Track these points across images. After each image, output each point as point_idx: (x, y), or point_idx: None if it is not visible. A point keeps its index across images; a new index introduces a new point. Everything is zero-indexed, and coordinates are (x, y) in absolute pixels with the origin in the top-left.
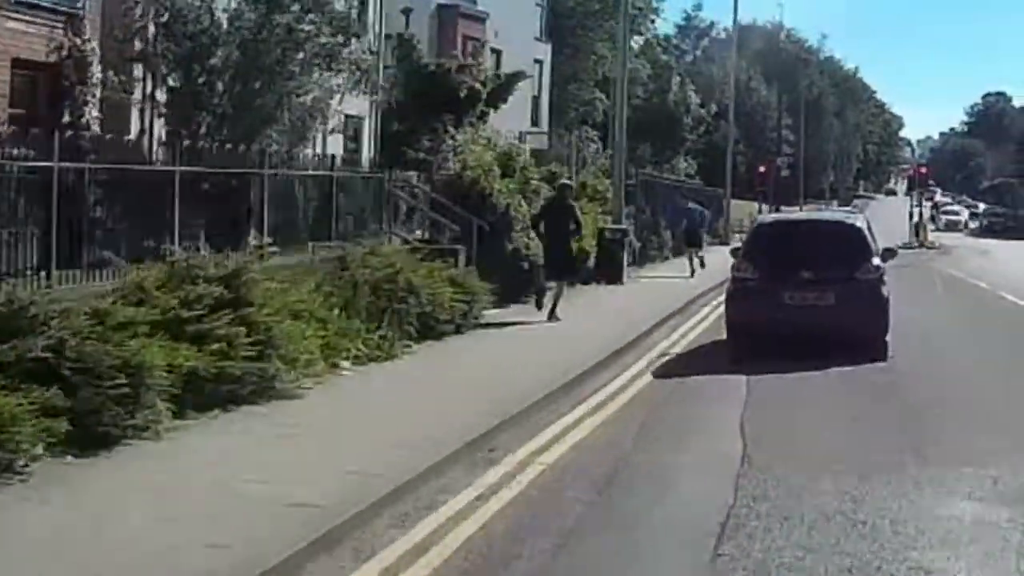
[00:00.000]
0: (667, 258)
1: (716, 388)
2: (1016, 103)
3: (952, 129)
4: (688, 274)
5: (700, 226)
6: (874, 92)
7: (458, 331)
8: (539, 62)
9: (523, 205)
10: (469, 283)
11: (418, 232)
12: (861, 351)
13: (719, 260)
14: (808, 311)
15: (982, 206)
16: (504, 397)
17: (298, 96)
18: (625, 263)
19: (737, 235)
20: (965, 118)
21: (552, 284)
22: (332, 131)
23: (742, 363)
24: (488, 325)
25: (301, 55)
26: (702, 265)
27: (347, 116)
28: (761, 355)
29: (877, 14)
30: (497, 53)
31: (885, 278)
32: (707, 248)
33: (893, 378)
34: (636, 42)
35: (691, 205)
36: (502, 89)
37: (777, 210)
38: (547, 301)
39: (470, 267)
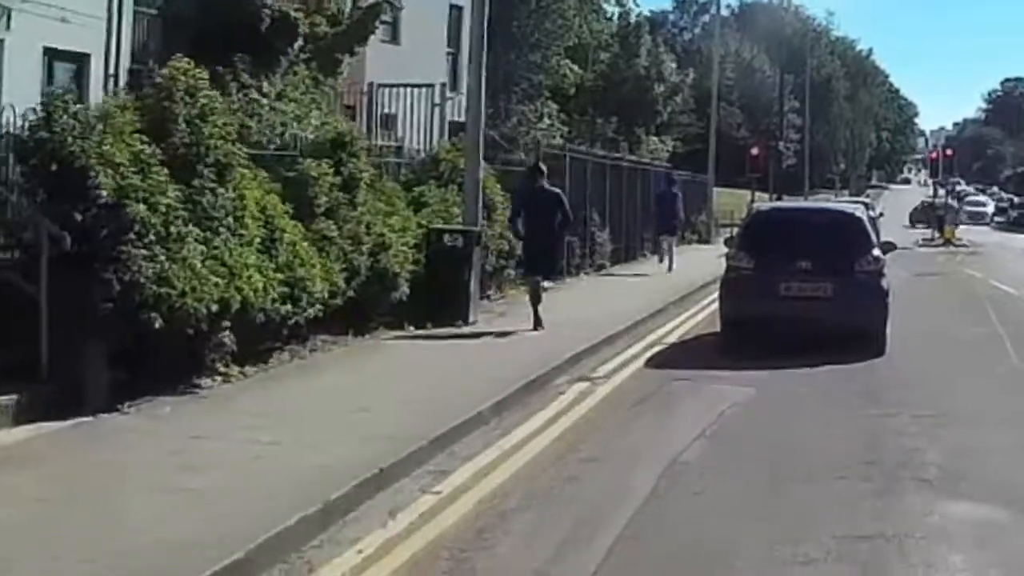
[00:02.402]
0: (602, 267)
1: None
2: None
3: (967, 119)
4: (666, 269)
5: (672, 210)
6: (887, 76)
7: None
8: (457, 8)
9: (170, 195)
10: None
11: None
12: (859, 346)
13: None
14: (805, 303)
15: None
16: None
17: None
18: (474, 289)
19: (725, 230)
20: (983, 105)
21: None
22: None
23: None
24: None
25: None
26: (669, 267)
27: (51, 49)
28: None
29: None
30: None
31: (885, 270)
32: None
33: None
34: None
35: (674, 189)
36: (359, 27)
37: (778, 200)
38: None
39: None
